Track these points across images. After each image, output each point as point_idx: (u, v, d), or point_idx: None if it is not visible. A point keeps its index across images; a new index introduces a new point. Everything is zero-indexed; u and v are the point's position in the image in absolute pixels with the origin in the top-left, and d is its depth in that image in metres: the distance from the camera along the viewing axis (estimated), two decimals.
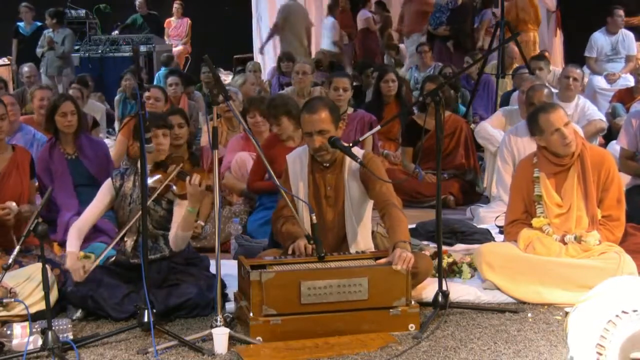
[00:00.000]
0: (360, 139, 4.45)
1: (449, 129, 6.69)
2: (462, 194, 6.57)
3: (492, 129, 6.54)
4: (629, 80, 8.89)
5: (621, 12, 9.64)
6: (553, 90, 6.49)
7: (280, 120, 5.45)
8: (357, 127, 6.62)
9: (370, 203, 4.25)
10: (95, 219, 4.25)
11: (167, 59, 11.14)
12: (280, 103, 5.56)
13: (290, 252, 4.04)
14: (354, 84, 8.87)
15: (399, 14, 12.48)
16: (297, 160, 4.30)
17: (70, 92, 7.86)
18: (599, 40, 9.73)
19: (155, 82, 10.40)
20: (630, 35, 9.73)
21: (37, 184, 5.67)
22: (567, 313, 3.70)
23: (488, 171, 6.57)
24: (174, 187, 4.07)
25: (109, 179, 4.25)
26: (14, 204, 4.37)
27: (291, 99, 5.89)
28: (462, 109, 8.61)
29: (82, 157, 5.35)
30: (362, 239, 4.25)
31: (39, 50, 10.90)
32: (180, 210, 4.09)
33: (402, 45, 12.37)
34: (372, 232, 4.42)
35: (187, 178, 3.93)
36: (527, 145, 5.59)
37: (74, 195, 5.22)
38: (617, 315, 2.74)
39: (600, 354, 2.73)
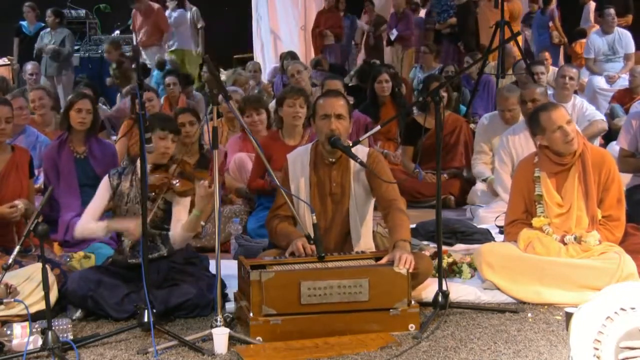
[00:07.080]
0: (360, 140, 4.46)
1: (449, 128, 6.70)
2: (462, 194, 6.57)
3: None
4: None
5: (612, 12, 9.67)
6: (548, 91, 6.47)
7: (307, 105, 5.47)
8: (352, 129, 6.62)
9: (373, 202, 4.25)
10: (98, 215, 4.22)
11: (159, 62, 10.96)
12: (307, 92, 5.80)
13: (288, 254, 4.03)
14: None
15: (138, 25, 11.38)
16: (298, 159, 4.30)
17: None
18: (596, 41, 9.76)
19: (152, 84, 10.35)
20: (627, 34, 9.75)
21: (40, 182, 5.69)
22: (567, 314, 3.72)
23: None
24: (177, 184, 4.05)
25: (106, 177, 4.24)
26: (19, 203, 4.38)
27: None
28: (463, 108, 8.62)
29: (91, 158, 5.35)
30: (364, 239, 4.25)
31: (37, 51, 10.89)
32: (180, 209, 4.08)
33: None
34: (372, 232, 4.41)
35: (200, 182, 3.90)
36: (524, 144, 5.60)
37: (77, 196, 5.21)
38: (615, 312, 2.77)
39: (597, 349, 2.75)
